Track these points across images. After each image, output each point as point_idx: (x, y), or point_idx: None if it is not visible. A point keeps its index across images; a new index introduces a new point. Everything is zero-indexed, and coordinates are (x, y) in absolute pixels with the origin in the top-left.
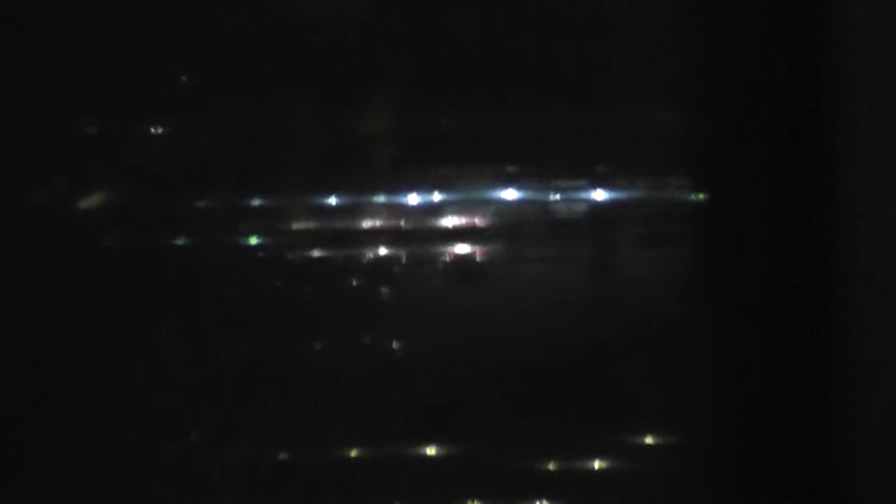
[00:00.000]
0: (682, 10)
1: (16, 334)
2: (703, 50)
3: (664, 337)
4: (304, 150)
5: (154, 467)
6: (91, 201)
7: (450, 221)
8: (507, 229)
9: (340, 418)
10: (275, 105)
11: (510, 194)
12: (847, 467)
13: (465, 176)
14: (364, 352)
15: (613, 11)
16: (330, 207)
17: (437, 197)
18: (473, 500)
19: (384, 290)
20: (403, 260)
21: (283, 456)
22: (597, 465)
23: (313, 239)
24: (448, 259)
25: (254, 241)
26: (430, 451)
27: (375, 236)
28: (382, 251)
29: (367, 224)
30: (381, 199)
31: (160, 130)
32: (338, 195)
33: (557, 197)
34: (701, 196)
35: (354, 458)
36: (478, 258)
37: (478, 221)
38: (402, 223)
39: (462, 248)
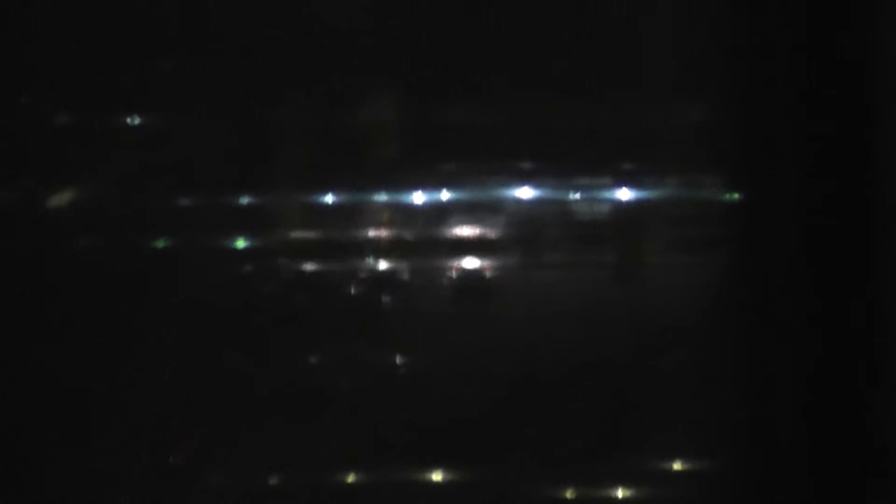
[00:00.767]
0: None
1: None
2: (736, 34)
3: (695, 353)
4: (297, 145)
5: (127, 493)
6: (60, 200)
7: (459, 223)
8: (521, 232)
9: (336, 439)
10: (265, 95)
11: (525, 193)
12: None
13: (475, 174)
14: (363, 367)
15: None
16: (326, 207)
17: (444, 196)
18: None
19: (385, 299)
20: (407, 268)
21: (272, 481)
22: (619, 493)
23: (307, 242)
24: (456, 270)
25: (241, 244)
26: (436, 476)
27: (376, 240)
28: (384, 257)
29: (367, 226)
30: (382, 198)
31: (138, 122)
32: (334, 194)
33: (577, 197)
34: (735, 196)
35: (351, 483)
36: (487, 271)
37: (489, 224)
38: (406, 225)
39: (472, 256)
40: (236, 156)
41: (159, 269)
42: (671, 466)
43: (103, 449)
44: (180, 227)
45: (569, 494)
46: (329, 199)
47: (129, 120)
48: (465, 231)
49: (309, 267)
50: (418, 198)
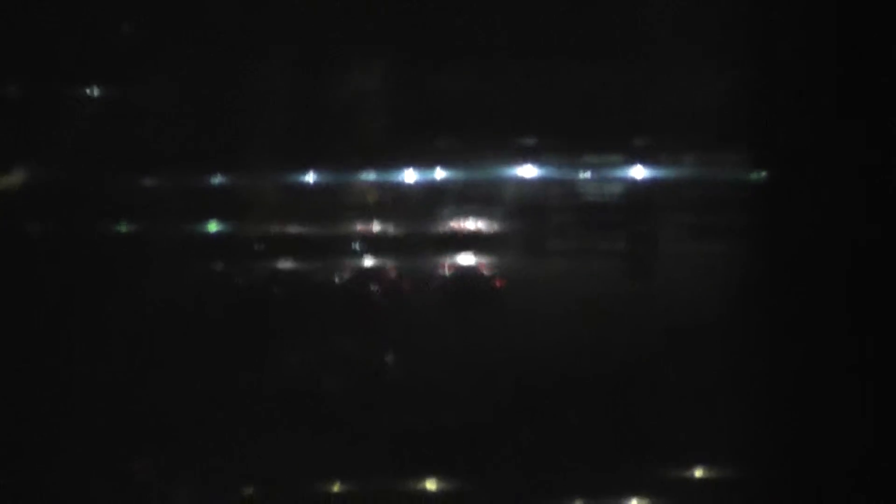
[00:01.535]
0: None
1: None
2: None
3: (717, 351)
4: (274, 118)
5: None
6: (10, 181)
7: (454, 204)
8: (523, 216)
9: (319, 445)
10: (238, 62)
11: (528, 172)
12: None
13: (472, 150)
14: (348, 366)
15: None
16: (307, 187)
17: (438, 175)
18: None
19: (373, 292)
20: (397, 258)
21: (247, 491)
22: None
23: (287, 226)
24: (449, 268)
25: (213, 228)
26: (429, 485)
27: (363, 221)
28: (371, 244)
29: (352, 208)
30: (369, 177)
31: (97, 93)
32: (316, 172)
33: (586, 176)
34: (762, 175)
35: (337, 494)
36: (485, 261)
37: (487, 206)
38: (396, 207)
39: (469, 245)
40: (206, 130)
41: (121, 257)
42: (690, 475)
43: (61, 461)
44: (144, 210)
45: None
46: (310, 178)
47: (87, 91)
48: (461, 215)
49: (288, 255)
50: (409, 177)
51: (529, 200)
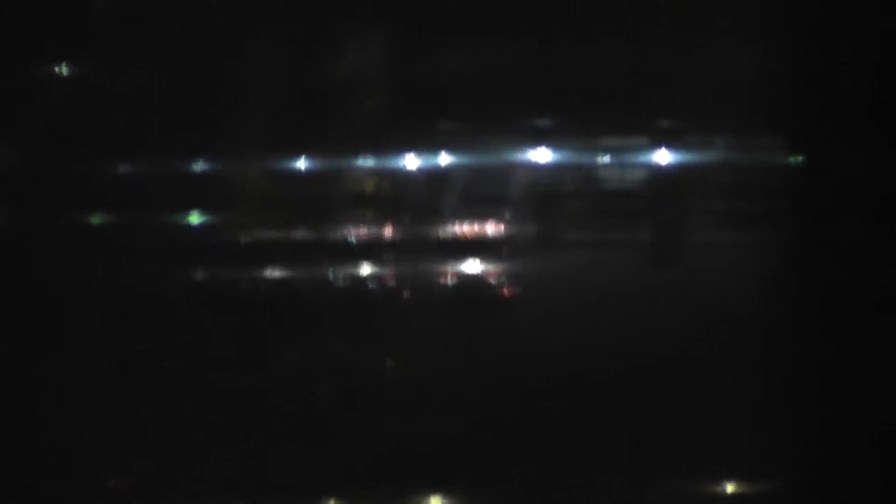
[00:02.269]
0: None
1: None
2: None
3: (749, 351)
4: (263, 99)
5: None
6: None
7: (460, 193)
8: (537, 205)
9: (312, 458)
10: (223, 38)
11: (542, 156)
12: None
13: (480, 133)
14: (345, 372)
15: None
16: (299, 175)
17: (443, 160)
18: None
19: (370, 288)
20: (395, 261)
21: None
22: None
23: (276, 216)
24: (455, 276)
25: (195, 219)
26: (434, 503)
27: (360, 217)
28: (366, 238)
29: (347, 197)
30: (367, 163)
31: (67, 71)
32: (309, 158)
33: (606, 160)
34: (799, 159)
35: None
36: (498, 258)
37: (498, 194)
38: (397, 196)
39: (480, 242)
40: (188, 112)
41: (96, 249)
42: (721, 490)
43: (32, 476)
44: (121, 199)
45: None
46: (302, 164)
47: (56, 69)
48: (468, 204)
49: (278, 248)
50: (411, 162)
51: (543, 188)
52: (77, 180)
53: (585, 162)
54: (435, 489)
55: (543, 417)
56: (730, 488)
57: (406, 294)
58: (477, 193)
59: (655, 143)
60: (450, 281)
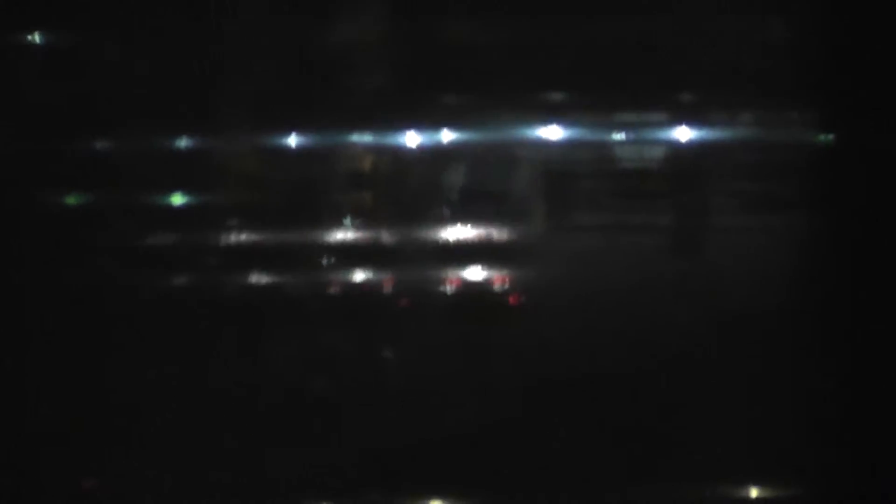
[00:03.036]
0: None
1: None
2: None
3: (777, 344)
4: (251, 70)
5: None
6: None
7: (464, 172)
8: (548, 185)
9: (303, 458)
10: (210, 5)
11: (553, 133)
12: None
13: (486, 108)
14: (341, 363)
15: None
16: (289, 152)
17: (445, 137)
18: None
19: (372, 274)
20: (395, 240)
21: None
22: None
23: (266, 196)
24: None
25: (178, 200)
26: None
27: (355, 199)
28: (364, 222)
29: (343, 176)
30: (363, 140)
31: (40, 40)
32: (300, 135)
33: (622, 138)
34: (830, 138)
35: None
36: (504, 245)
37: (505, 174)
38: (395, 175)
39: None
40: (170, 85)
41: (71, 232)
42: (745, 494)
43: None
44: (98, 178)
45: None
46: (292, 141)
47: (28, 38)
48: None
49: (267, 229)
50: (411, 140)
51: (555, 167)
52: (51, 158)
53: (600, 139)
54: (438, 491)
55: (548, 411)
56: (753, 493)
57: (404, 302)
58: (482, 173)
59: (675, 119)
60: (450, 288)
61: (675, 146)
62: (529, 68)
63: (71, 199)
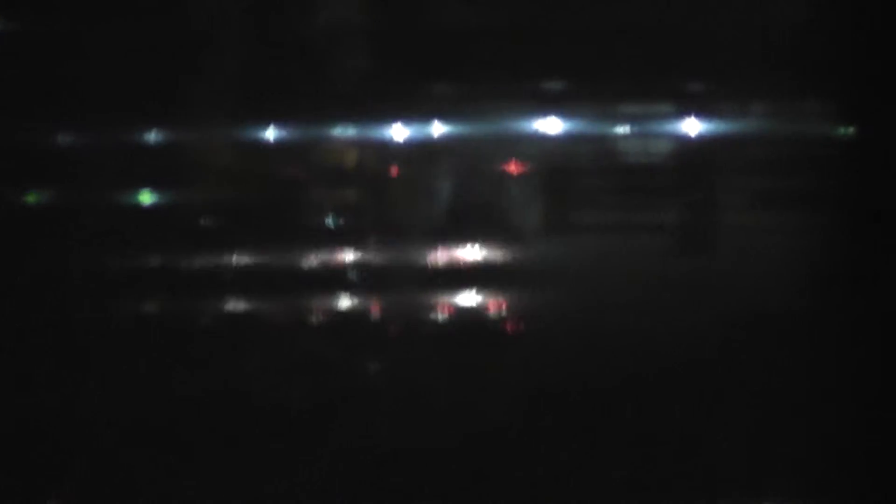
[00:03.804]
0: None
1: None
2: None
3: (792, 350)
4: (227, 58)
5: None
6: None
7: (455, 169)
8: (547, 182)
9: (288, 470)
10: None
11: (551, 126)
12: None
13: (479, 98)
14: (325, 369)
15: None
16: (267, 146)
17: (436, 131)
18: None
19: (359, 270)
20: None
21: None
22: None
23: (241, 195)
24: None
25: (147, 198)
26: None
27: (339, 188)
28: (348, 218)
29: (325, 172)
30: (346, 133)
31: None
32: (279, 127)
33: (625, 131)
34: (850, 131)
35: None
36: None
37: (501, 168)
38: (381, 171)
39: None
40: (139, 73)
41: (32, 233)
42: None
43: None
44: (62, 175)
45: None
46: (270, 134)
47: None
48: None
49: (244, 230)
50: (399, 133)
51: (554, 161)
52: (8, 152)
53: (602, 133)
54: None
55: (549, 418)
56: None
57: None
58: (475, 168)
59: (683, 111)
60: (442, 315)
61: (682, 140)
62: (527, 55)
63: (30, 197)
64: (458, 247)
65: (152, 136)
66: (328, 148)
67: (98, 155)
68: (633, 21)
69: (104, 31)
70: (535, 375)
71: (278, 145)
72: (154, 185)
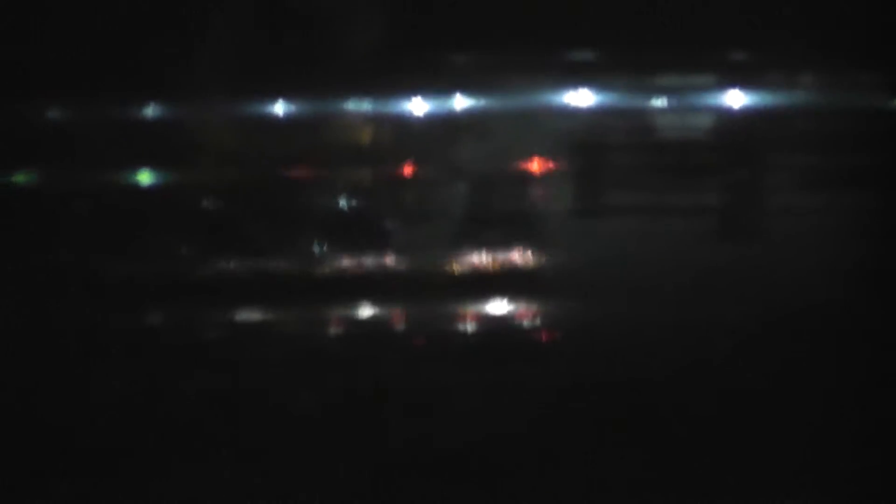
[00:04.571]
0: None
1: None
2: None
3: (841, 343)
4: (230, 28)
5: None
6: None
7: (478, 144)
8: (576, 159)
9: (285, 476)
10: None
11: (582, 98)
12: None
13: (502, 70)
14: (330, 370)
15: None
16: (276, 121)
17: (457, 104)
18: None
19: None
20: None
21: None
22: None
23: (249, 173)
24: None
25: (145, 178)
26: None
27: (353, 165)
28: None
29: (338, 150)
30: (361, 107)
31: None
32: (288, 101)
33: (662, 104)
34: None
35: None
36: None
37: (528, 146)
38: (400, 147)
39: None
40: (137, 44)
41: (17, 218)
42: None
43: None
44: (50, 153)
45: None
46: (280, 109)
47: None
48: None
49: (252, 214)
50: (417, 107)
51: (584, 137)
52: None
53: (637, 106)
54: None
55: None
56: None
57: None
58: (500, 145)
59: (725, 83)
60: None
61: (724, 114)
62: (553, 23)
63: (19, 178)
64: (484, 248)
65: (151, 111)
66: (341, 124)
67: (91, 131)
68: None
69: None
70: (560, 303)
71: (288, 120)
72: (153, 165)
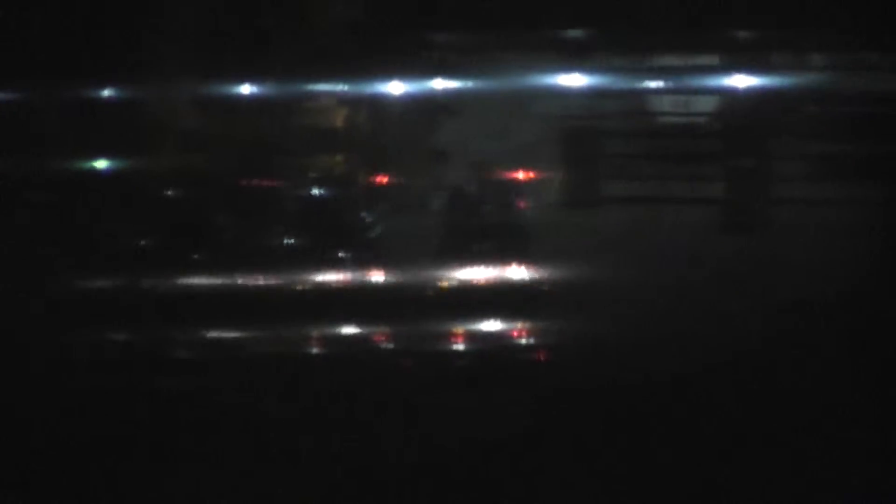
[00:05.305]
0: None
1: None
2: None
3: (854, 342)
4: (194, 4)
5: None
6: None
7: (463, 129)
8: (569, 146)
9: (278, 481)
10: None
11: (576, 81)
12: None
13: (488, 49)
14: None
15: None
16: (243, 103)
17: (438, 85)
18: None
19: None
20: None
21: None
22: None
23: (214, 161)
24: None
25: (103, 165)
26: None
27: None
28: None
29: (312, 133)
30: (336, 89)
31: None
32: (256, 83)
33: (663, 86)
34: None
35: None
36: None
37: (516, 132)
38: (378, 133)
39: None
40: (94, 21)
41: None
42: None
43: None
44: (12, 143)
45: None
46: (247, 90)
47: None
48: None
49: (217, 201)
50: (396, 89)
51: (576, 121)
52: None
53: (633, 88)
54: None
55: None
56: None
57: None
58: (484, 132)
59: (729, 64)
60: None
61: (729, 97)
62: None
63: None
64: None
65: (108, 93)
66: (313, 107)
67: (45, 114)
68: None
69: None
70: (566, 267)
71: (257, 102)
72: (111, 151)
